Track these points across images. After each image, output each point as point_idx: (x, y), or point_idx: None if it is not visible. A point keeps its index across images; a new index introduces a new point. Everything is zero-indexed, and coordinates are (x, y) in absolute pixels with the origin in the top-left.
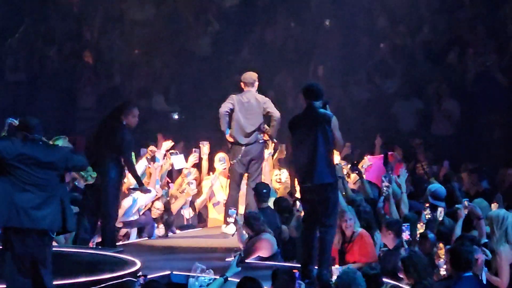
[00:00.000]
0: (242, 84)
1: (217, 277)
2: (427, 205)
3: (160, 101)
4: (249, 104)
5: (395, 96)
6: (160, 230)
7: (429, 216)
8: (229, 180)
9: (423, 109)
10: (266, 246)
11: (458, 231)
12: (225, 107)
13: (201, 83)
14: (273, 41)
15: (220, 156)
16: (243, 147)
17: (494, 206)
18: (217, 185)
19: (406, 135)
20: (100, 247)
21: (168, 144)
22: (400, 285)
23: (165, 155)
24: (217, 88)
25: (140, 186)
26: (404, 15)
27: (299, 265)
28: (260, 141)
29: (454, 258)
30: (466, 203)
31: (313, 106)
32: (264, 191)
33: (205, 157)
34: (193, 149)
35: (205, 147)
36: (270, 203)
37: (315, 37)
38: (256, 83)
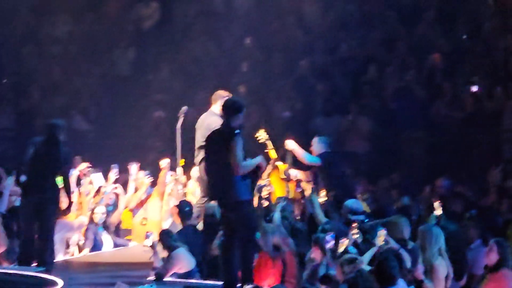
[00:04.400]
0: None
1: None
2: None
3: (80, 121)
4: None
5: (315, 113)
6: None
7: (357, 235)
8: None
9: (342, 125)
10: (179, 262)
11: (366, 258)
12: None
13: (120, 103)
14: (193, 60)
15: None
16: None
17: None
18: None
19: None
20: (18, 266)
21: (84, 166)
22: None
23: (84, 174)
24: (137, 108)
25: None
26: (322, 32)
27: (221, 283)
28: None
29: (377, 273)
30: (382, 233)
31: (227, 122)
32: (187, 209)
33: (132, 177)
34: (112, 165)
35: (132, 167)
36: None
37: (235, 55)
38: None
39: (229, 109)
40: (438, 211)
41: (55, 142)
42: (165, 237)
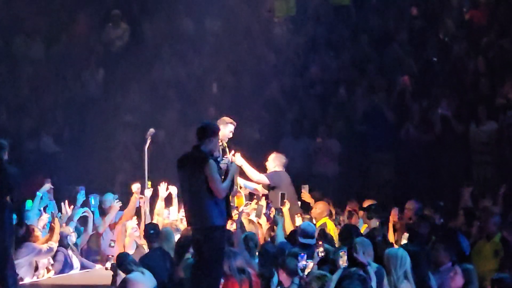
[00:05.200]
0: None
1: None
2: (320, 243)
3: (49, 143)
4: None
5: (284, 135)
6: None
7: (322, 254)
8: None
9: (311, 147)
10: (132, 286)
11: (335, 278)
12: None
13: (89, 124)
14: (162, 82)
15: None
16: None
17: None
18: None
19: (293, 174)
20: None
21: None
22: None
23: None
24: (105, 130)
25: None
26: (292, 54)
27: None
28: None
29: None
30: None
31: (198, 146)
32: (152, 231)
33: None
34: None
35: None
36: None
37: (205, 77)
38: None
39: (202, 133)
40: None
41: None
42: (121, 260)
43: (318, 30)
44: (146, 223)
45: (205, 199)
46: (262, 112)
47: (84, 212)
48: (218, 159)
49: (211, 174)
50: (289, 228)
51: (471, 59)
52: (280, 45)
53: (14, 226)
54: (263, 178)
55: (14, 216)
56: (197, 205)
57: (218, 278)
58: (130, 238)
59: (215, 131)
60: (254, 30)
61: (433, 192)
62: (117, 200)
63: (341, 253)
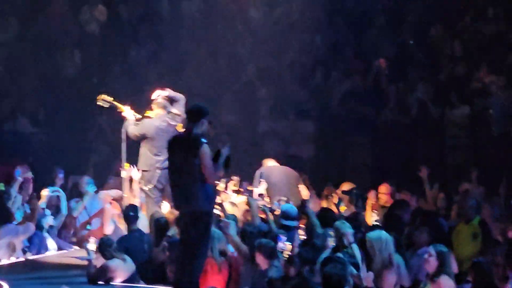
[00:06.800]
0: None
1: None
2: (302, 225)
3: (25, 124)
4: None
5: (260, 117)
6: None
7: (304, 237)
8: None
9: (287, 130)
10: (112, 273)
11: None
12: None
13: (66, 106)
14: (138, 63)
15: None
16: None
17: None
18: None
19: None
20: None
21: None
22: None
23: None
24: (82, 111)
25: None
26: (269, 36)
27: None
28: None
29: (325, 281)
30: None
31: (190, 129)
32: (131, 213)
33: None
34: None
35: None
36: None
37: (181, 59)
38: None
39: (193, 115)
40: (376, 219)
41: None
42: (103, 246)
43: (295, 13)
44: (125, 205)
45: (195, 184)
46: (238, 95)
47: (55, 191)
48: None
49: (205, 158)
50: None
51: (447, 43)
52: (257, 27)
53: None
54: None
55: None
56: (186, 189)
57: (203, 262)
58: (108, 216)
59: (207, 113)
60: (231, 11)
61: (408, 175)
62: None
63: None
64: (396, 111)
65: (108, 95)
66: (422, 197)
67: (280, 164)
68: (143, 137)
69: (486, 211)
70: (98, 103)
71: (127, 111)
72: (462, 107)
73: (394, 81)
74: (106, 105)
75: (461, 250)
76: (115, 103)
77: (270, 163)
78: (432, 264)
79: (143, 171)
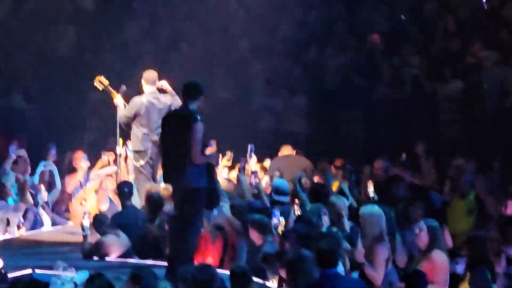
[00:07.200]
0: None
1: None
2: (296, 201)
3: (19, 100)
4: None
5: (254, 93)
6: None
7: (298, 212)
8: None
9: (280, 105)
10: (106, 249)
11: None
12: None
13: (61, 83)
14: (132, 40)
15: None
16: None
17: None
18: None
19: (263, 133)
20: None
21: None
22: (266, 283)
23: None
24: (76, 88)
25: None
26: (262, 12)
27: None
28: None
29: (318, 256)
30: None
31: (185, 105)
32: (126, 190)
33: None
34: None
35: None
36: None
37: (175, 35)
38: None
39: (188, 92)
40: (370, 192)
41: None
42: (97, 222)
43: None
44: (120, 180)
45: (188, 160)
46: (232, 71)
47: (46, 165)
48: None
49: (196, 136)
50: None
51: (441, 18)
52: (250, 2)
53: None
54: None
55: None
56: (180, 165)
57: (196, 237)
58: (104, 192)
59: (203, 91)
60: None
61: (402, 150)
62: (86, 160)
63: (323, 210)
64: (390, 86)
65: (105, 78)
66: (416, 172)
67: (279, 144)
68: (134, 117)
69: (481, 185)
70: (94, 83)
71: (118, 99)
72: (456, 82)
73: (388, 56)
74: (101, 87)
75: (456, 225)
76: (110, 88)
77: (285, 151)
78: (423, 239)
79: (135, 148)
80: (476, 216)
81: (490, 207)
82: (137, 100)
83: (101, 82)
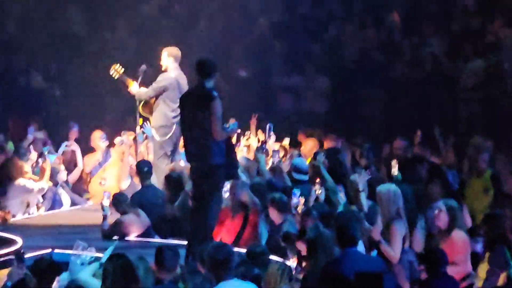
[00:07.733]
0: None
1: (100, 255)
2: (317, 180)
3: (38, 79)
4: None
5: (273, 72)
6: None
7: (320, 192)
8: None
9: (300, 84)
10: (126, 228)
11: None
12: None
13: (78, 62)
14: (150, 19)
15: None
16: None
17: None
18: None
19: (283, 112)
20: None
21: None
22: (286, 262)
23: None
24: (95, 67)
25: None
26: None
27: (185, 242)
28: None
29: (339, 234)
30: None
31: (202, 83)
32: (146, 169)
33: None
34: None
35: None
36: None
37: (193, 14)
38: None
39: (204, 69)
40: (395, 171)
41: None
42: (117, 201)
43: None
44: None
45: (208, 137)
46: (251, 50)
47: (68, 144)
48: None
49: (216, 113)
50: None
51: None
52: None
53: None
54: None
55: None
56: (199, 143)
57: (216, 214)
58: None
59: (216, 66)
60: None
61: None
62: (104, 140)
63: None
64: (410, 65)
65: (120, 67)
66: (435, 151)
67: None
68: (163, 90)
69: (501, 163)
70: (110, 71)
71: (134, 86)
72: (476, 61)
73: (408, 35)
74: (116, 75)
75: (474, 204)
76: (125, 77)
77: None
78: (442, 219)
79: (160, 122)
80: (492, 195)
81: (510, 185)
82: (167, 75)
83: (116, 70)
